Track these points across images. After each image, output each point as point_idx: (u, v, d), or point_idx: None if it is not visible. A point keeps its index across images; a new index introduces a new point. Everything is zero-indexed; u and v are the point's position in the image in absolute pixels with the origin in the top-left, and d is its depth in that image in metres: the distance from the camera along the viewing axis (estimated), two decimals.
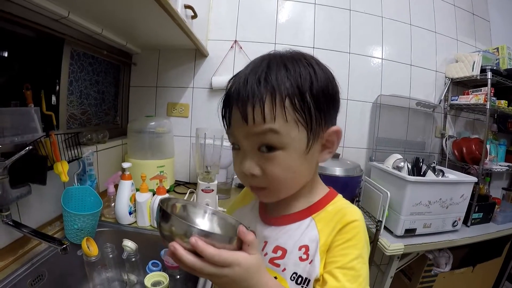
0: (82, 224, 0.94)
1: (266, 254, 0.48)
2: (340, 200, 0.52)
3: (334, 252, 0.44)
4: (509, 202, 1.88)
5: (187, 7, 1.10)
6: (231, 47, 1.59)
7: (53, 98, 1.08)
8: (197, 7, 1.15)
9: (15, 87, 0.88)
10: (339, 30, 1.65)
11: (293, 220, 0.49)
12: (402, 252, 1.28)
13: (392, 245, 1.26)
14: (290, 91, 0.40)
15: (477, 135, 1.77)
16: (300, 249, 0.46)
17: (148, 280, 0.88)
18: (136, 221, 1.13)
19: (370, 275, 1.66)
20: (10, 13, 0.81)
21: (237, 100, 0.42)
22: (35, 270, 0.82)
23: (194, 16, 1.17)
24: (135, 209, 1.12)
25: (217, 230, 0.45)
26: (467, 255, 1.59)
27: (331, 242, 0.45)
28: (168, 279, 0.90)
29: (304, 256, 0.45)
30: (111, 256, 0.98)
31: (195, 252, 0.35)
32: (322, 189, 0.53)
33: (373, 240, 1.32)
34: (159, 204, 0.39)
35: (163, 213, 0.37)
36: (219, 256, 0.35)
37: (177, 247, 0.34)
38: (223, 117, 0.47)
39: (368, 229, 1.36)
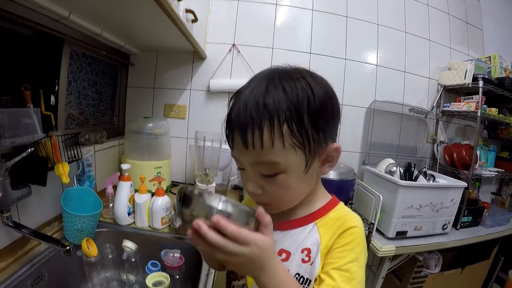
0: (82, 225, 0.95)
1: None
2: (342, 208, 0.55)
3: (333, 254, 0.47)
4: (498, 207, 1.94)
5: (188, 11, 1.12)
6: (229, 50, 1.60)
7: (52, 98, 1.08)
8: (196, 10, 1.17)
9: (12, 85, 0.88)
10: (335, 36, 1.69)
11: (298, 225, 0.52)
12: (393, 254, 1.31)
13: (384, 247, 1.29)
14: (288, 115, 0.42)
15: (468, 141, 1.82)
16: (302, 251, 0.49)
17: (149, 280, 0.90)
18: (134, 222, 1.14)
19: None
20: (12, 13, 0.82)
21: (238, 126, 0.44)
22: (36, 271, 0.83)
23: (195, 20, 1.19)
24: (134, 210, 1.14)
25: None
26: (456, 257, 1.63)
27: (331, 245, 0.48)
28: (169, 279, 0.91)
29: (306, 258, 0.49)
30: (110, 256, 1.00)
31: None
32: (325, 196, 0.56)
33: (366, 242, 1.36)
34: (179, 191, 0.40)
35: (185, 197, 0.39)
36: (240, 233, 0.36)
37: (201, 224, 0.36)
38: (227, 138, 0.49)
39: None
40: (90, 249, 0.93)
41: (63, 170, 0.93)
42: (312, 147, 0.44)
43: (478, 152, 1.66)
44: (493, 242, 1.68)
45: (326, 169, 0.50)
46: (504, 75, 1.71)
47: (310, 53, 1.66)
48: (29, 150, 0.80)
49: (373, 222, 1.34)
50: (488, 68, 1.70)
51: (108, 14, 1.01)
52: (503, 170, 1.78)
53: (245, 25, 1.61)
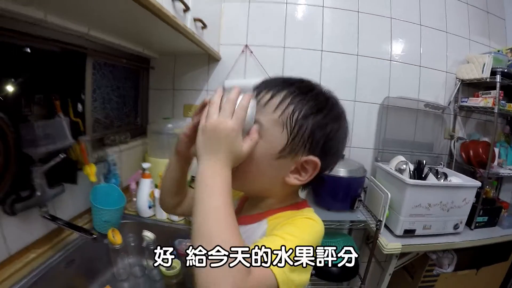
0: (109, 217, 1.09)
1: None
2: (305, 210, 0.52)
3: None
4: None
5: (197, 20, 1.19)
6: (242, 51, 1.65)
7: (79, 106, 1.21)
8: (208, 14, 1.23)
9: (44, 95, 1.00)
10: (347, 32, 1.67)
11: (252, 221, 0.52)
12: (399, 252, 1.33)
13: (389, 244, 1.32)
14: (298, 105, 0.46)
15: (488, 137, 1.74)
16: None
17: None
18: (155, 214, 1.28)
19: (372, 272, 1.75)
20: (39, 36, 0.93)
21: (267, 83, 0.50)
22: (68, 256, 0.98)
23: (204, 27, 1.26)
24: (154, 204, 1.27)
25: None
26: (472, 258, 1.60)
27: None
28: (180, 264, 1.05)
29: None
30: (132, 244, 1.14)
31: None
32: (295, 199, 0.55)
33: (373, 238, 1.39)
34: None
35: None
36: (211, 102, 0.43)
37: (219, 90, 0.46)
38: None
39: (369, 227, 1.43)
40: (115, 238, 1.07)
41: (90, 170, 1.06)
42: (297, 141, 0.46)
43: (497, 150, 1.60)
44: (511, 243, 1.62)
45: (293, 180, 0.48)
46: None
47: (322, 50, 1.67)
48: (61, 155, 0.93)
49: (380, 219, 1.36)
50: (509, 61, 1.59)
51: (122, 28, 1.11)
52: None
53: (257, 26, 1.65)
